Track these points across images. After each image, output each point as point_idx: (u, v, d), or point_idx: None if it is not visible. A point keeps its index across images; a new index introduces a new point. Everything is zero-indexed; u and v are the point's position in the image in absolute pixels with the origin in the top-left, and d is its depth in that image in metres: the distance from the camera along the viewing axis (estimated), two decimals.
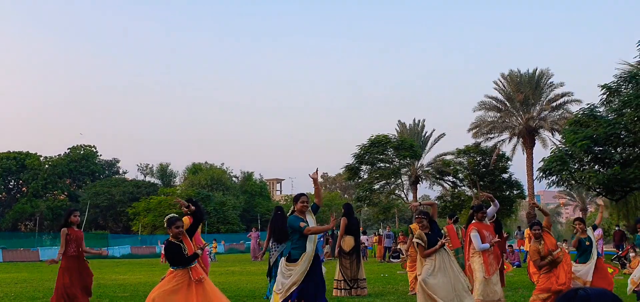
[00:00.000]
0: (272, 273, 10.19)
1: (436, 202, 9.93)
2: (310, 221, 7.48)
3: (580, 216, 18.29)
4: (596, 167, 27.08)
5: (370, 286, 13.85)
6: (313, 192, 7.77)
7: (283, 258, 7.50)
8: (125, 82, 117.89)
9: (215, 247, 32.37)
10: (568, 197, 72.24)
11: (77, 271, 8.98)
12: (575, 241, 9.66)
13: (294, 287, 7.18)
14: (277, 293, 7.31)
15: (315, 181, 7.57)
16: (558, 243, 9.56)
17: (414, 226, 8.53)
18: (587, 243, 9.48)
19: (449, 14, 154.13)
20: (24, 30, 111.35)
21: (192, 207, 7.56)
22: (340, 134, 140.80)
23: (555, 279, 8.74)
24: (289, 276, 7.26)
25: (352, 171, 42.18)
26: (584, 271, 9.31)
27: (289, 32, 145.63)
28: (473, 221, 9.42)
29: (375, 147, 41.11)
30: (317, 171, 7.61)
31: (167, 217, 7.35)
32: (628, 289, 9.91)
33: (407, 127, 51.13)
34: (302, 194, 7.64)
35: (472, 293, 8.30)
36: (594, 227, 10.08)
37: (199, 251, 7.05)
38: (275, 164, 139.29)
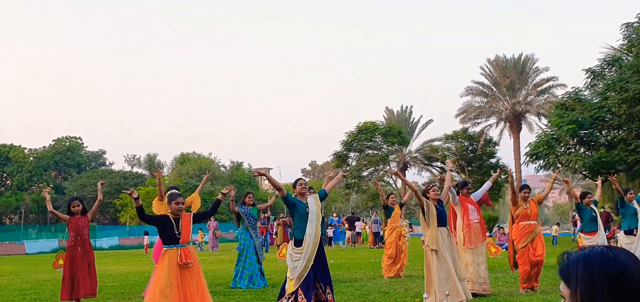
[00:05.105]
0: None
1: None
2: (312, 203, 7.49)
3: (567, 199, 18.71)
4: (582, 150, 27.33)
5: (362, 271, 13.89)
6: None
7: (291, 242, 7.49)
8: (111, 73, 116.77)
9: (202, 237, 32.17)
10: (555, 182, 73.01)
11: (75, 259, 8.81)
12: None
13: (306, 273, 7.17)
14: (291, 279, 7.29)
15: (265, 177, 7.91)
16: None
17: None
18: (593, 214, 9.86)
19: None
20: (7, 21, 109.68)
21: (221, 198, 7.45)
22: (328, 122, 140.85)
23: (533, 252, 9.23)
24: (297, 260, 7.24)
25: (340, 159, 42.17)
26: (600, 242, 9.59)
27: (275, 21, 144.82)
28: (458, 196, 9.50)
29: (363, 134, 41.13)
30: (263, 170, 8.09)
31: (168, 192, 7.01)
32: None
33: (395, 113, 51.27)
34: (299, 179, 7.83)
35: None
36: (595, 203, 10.33)
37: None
38: (263, 154, 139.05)
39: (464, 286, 8.17)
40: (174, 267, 6.47)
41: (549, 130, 28.84)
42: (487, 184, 9.92)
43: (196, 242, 30.45)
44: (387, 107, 52.22)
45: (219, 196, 7.39)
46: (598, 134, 26.59)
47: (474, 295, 8.79)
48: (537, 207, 9.67)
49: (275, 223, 29.49)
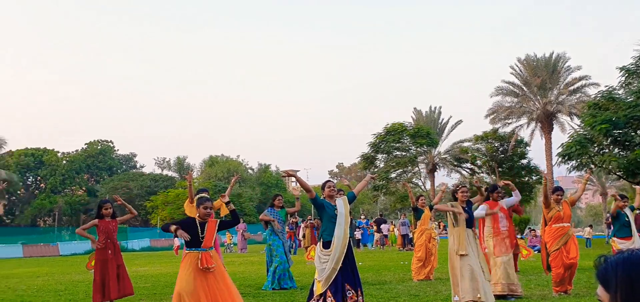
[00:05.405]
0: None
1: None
2: (340, 205, 7.46)
3: (600, 200, 18.36)
4: (616, 150, 26.71)
5: (391, 273, 13.79)
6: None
7: (319, 243, 7.47)
8: (142, 77, 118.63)
9: (230, 238, 32.34)
10: (588, 183, 71.63)
11: (105, 262, 8.93)
12: (614, 208, 10.02)
13: (334, 275, 7.15)
14: (319, 281, 7.26)
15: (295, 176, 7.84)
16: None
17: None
18: (626, 218, 9.66)
19: None
20: (39, 26, 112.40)
21: (232, 206, 7.18)
22: (356, 123, 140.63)
23: (566, 255, 9.07)
24: (325, 262, 7.21)
25: (367, 160, 42.03)
26: (636, 246, 9.38)
27: (302, 23, 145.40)
28: (488, 200, 9.37)
29: (391, 136, 40.90)
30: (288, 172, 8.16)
31: (198, 196, 6.98)
32: None
33: (423, 114, 50.82)
34: (328, 180, 7.86)
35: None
36: (632, 209, 10.08)
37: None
38: (290, 156, 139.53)
39: (488, 287, 8.08)
40: (195, 270, 6.36)
41: (581, 130, 28.26)
42: (516, 193, 9.71)
43: (225, 243, 30.66)
44: (415, 108, 51.77)
45: (230, 207, 7.10)
46: (633, 133, 25.94)
47: (503, 297, 8.69)
48: (570, 209, 9.43)
49: (302, 225, 29.55)
